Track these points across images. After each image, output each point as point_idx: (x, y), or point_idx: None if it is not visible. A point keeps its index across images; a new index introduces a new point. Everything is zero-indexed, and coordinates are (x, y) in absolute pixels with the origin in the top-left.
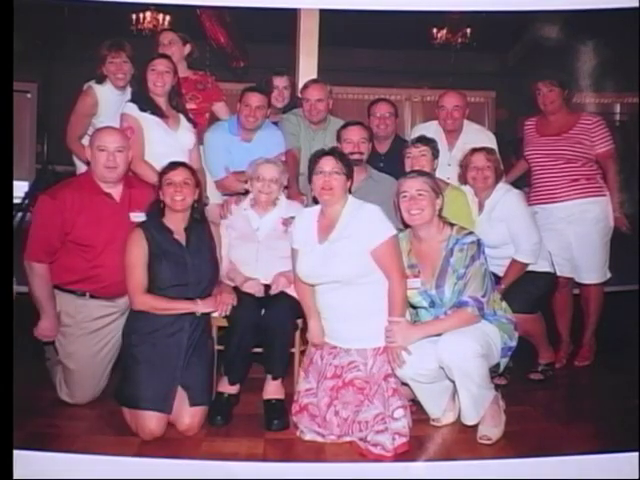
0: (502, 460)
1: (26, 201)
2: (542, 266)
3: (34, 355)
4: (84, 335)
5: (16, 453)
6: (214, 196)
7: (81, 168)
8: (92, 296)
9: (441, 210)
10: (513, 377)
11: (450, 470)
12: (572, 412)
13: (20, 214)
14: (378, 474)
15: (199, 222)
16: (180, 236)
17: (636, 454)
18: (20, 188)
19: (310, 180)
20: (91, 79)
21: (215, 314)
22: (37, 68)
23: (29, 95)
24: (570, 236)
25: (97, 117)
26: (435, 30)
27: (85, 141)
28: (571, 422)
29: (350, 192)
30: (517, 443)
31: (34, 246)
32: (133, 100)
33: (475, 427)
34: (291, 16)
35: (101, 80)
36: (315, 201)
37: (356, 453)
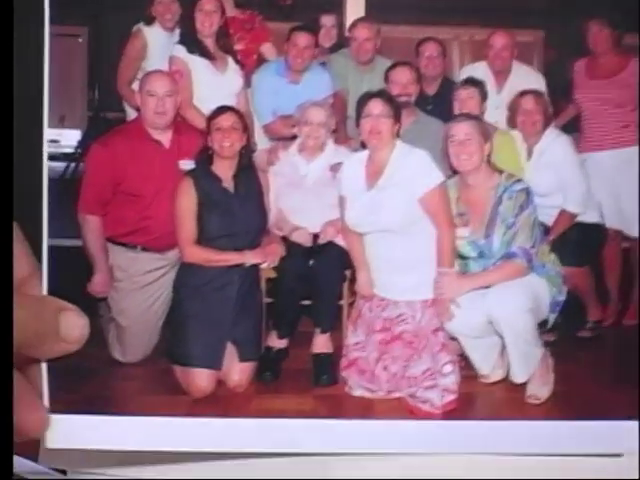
0: (550, 422)
1: (79, 150)
2: (591, 217)
3: (87, 313)
4: (136, 290)
5: (70, 417)
6: (261, 142)
7: (131, 114)
8: (143, 249)
9: (490, 156)
10: (561, 334)
11: (498, 429)
12: (619, 373)
13: (73, 164)
14: (426, 432)
15: (247, 169)
16: (228, 184)
17: None
18: (73, 137)
19: (358, 124)
20: (140, 21)
21: (264, 265)
22: (87, 11)
23: (80, 40)
24: (620, 186)
25: (146, 60)
26: None
27: (135, 86)
28: (618, 384)
29: (398, 136)
30: (564, 404)
31: (87, 197)
32: (181, 42)
33: (524, 386)
34: None
35: (150, 22)
36: (363, 145)
37: (405, 410)
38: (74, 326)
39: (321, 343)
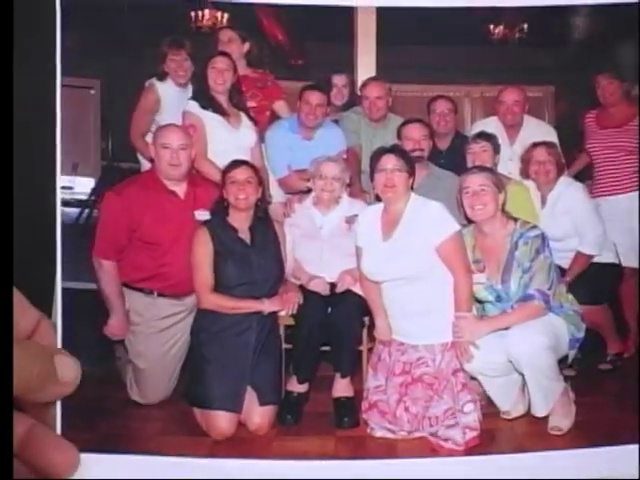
0: (574, 450)
1: (92, 197)
2: (607, 257)
3: (104, 355)
4: (153, 334)
5: (87, 456)
6: (277, 195)
7: (145, 165)
8: (160, 294)
9: (504, 205)
10: (582, 368)
11: (522, 462)
12: None
13: (87, 211)
14: (450, 469)
15: (263, 221)
16: (245, 235)
17: None
18: (86, 185)
19: (372, 178)
20: (153, 76)
21: (282, 313)
22: (100, 64)
23: (92, 91)
24: (634, 225)
25: (159, 114)
26: (492, 26)
27: (149, 138)
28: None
29: (412, 189)
30: (588, 432)
31: (102, 243)
32: (194, 98)
33: (545, 419)
34: (348, 13)
35: (162, 77)
36: (378, 199)
37: (427, 448)
38: (69, 368)
39: (342, 387)
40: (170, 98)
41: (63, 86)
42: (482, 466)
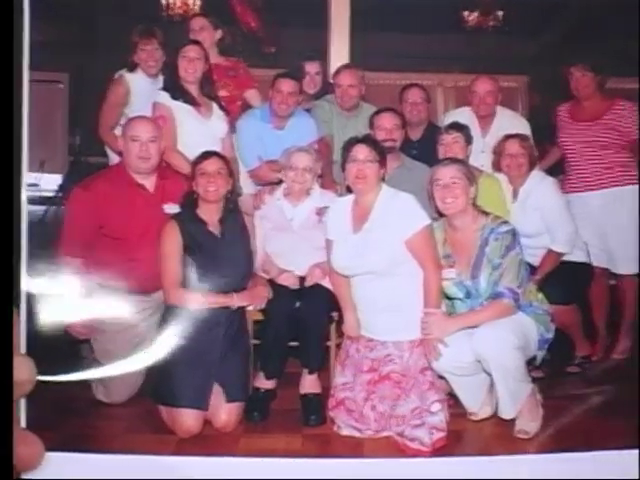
0: (539, 455)
1: (59, 194)
2: (578, 256)
3: (69, 355)
4: (120, 331)
5: (53, 455)
6: (247, 187)
7: (114, 159)
8: (127, 291)
9: (475, 198)
10: (550, 370)
11: (487, 465)
12: (610, 406)
13: (53, 208)
14: (416, 469)
15: (233, 213)
16: (214, 228)
17: None
18: (53, 181)
19: (343, 168)
20: (122, 68)
21: (250, 308)
22: (68, 58)
23: (61, 85)
24: (606, 225)
25: (129, 106)
26: (466, 13)
27: (118, 131)
28: (609, 416)
29: (383, 180)
30: (554, 437)
31: (68, 240)
32: (165, 88)
33: (513, 421)
34: (322, 0)
35: (132, 68)
36: (349, 190)
37: (394, 448)
38: (22, 368)
39: (309, 384)
40: (140, 90)
41: (31, 81)
42: (447, 467)
